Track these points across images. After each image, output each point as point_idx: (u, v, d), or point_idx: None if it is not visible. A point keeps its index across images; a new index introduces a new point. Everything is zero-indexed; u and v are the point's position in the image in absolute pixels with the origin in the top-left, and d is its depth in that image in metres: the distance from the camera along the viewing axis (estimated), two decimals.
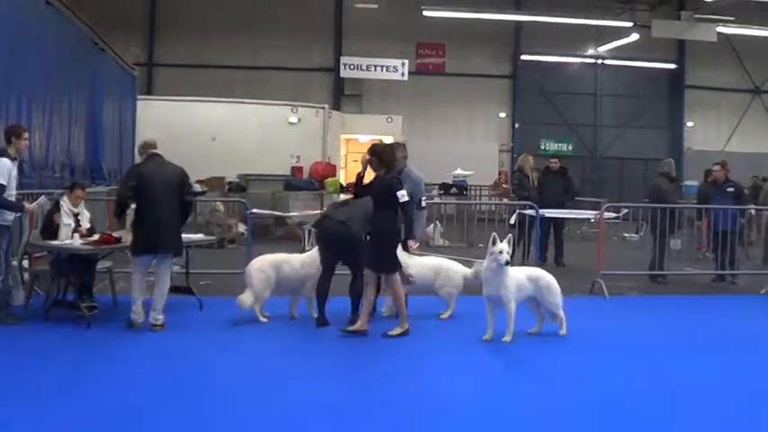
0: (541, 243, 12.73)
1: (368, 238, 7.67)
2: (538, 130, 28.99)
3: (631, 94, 29.39)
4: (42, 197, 8.61)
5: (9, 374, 6.14)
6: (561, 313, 7.85)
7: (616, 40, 26.84)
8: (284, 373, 6.47)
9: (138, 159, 8.85)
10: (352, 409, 5.54)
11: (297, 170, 20.55)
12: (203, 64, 26.21)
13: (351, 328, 7.63)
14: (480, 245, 11.32)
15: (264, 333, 7.90)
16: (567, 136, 29.47)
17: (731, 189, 12.05)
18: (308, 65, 27.52)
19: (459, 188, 19.02)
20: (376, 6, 25.07)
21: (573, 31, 26.65)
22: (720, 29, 24.48)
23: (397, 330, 7.66)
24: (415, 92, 27.41)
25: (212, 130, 20.31)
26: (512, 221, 12.53)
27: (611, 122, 29.63)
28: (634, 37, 26.01)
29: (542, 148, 28.31)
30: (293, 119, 21.51)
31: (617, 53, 27.98)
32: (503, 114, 29.24)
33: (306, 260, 8.36)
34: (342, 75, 27.05)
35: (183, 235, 8.43)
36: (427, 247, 13.10)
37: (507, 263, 7.35)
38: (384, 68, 26.26)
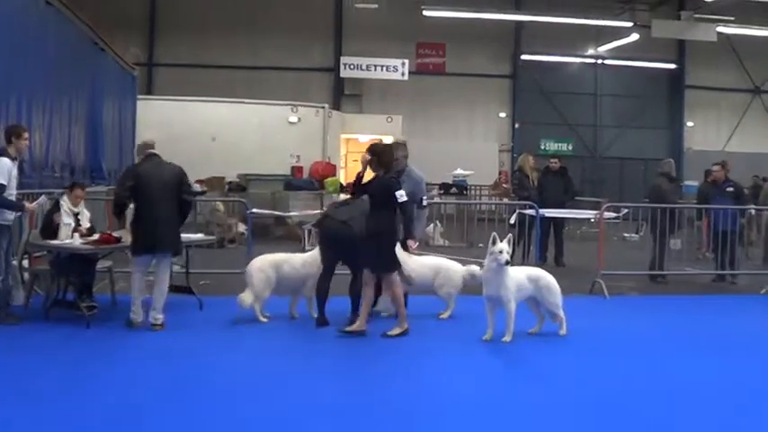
0: (541, 243, 12.73)
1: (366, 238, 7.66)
2: (538, 129, 28.99)
3: (631, 94, 29.40)
4: (42, 197, 8.62)
5: (9, 374, 6.14)
6: (561, 313, 7.84)
7: (616, 40, 26.85)
8: (284, 372, 6.47)
9: (136, 160, 8.86)
10: (351, 409, 5.54)
11: (297, 170, 20.57)
12: (203, 64, 26.22)
13: (349, 328, 7.63)
14: (480, 245, 11.34)
15: (264, 333, 7.90)
16: (566, 136, 29.48)
17: (731, 189, 12.05)
18: (308, 65, 27.52)
19: (460, 188, 19.01)
20: (376, 6, 25.08)
21: (573, 31, 26.66)
22: (720, 29, 24.49)
23: (397, 330, 7.66)
24: (415, 92, 27.41)
25: (212, 130, 20.33)
26: (512, 221, 12.53)
27: (611, 122, 29.64)
28: (634, 37, 26.01)
29: (542, 147, 28.31)
30: (293, 119, 21.52)
31: (617, 53, 27.99)
32: (503, 114, 29.25)
33: (306, 260, 8.36)
34: (342, 74, 27.06)
35: (183, 235, 8.44)
36: (427, 247, 13.10)
37: (507, 263, 7.35)
38: (384, 68, 26.26)
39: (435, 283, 8.56)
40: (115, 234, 8.21)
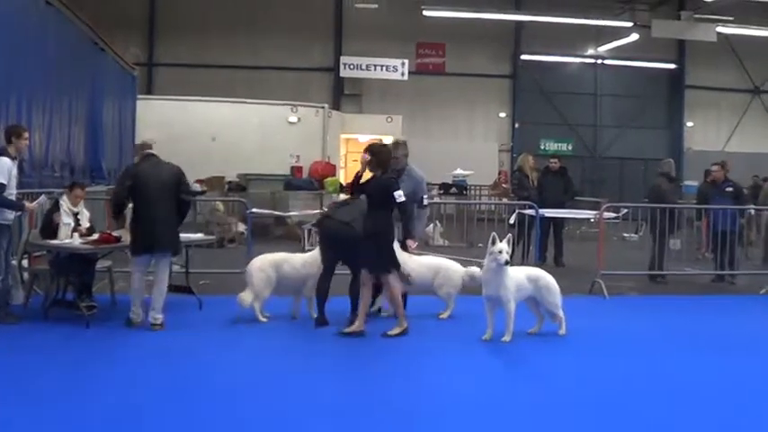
0: (541, 243, 12.73)
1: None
2: (538, 129, 28.99)
3: (631, 94, 29.40)
4: (42, 196, 8.63)
5: (8, 374, 6.14)
6: (561, 313, 7.85)
7: (616, 40, 26.85)
8: (284, 372, 6.47)
9: (135, 160, 8.86)
10: (351, 408, 5.54)
11: (296, 170, 20.58)
12: (203, 64, 26.22)
13: (348, 329, 7.63)
14: (480, 245, 11.33)
15: (264, 333, 7.90)
16: (566, 136, 29.48)
17: (730, 189, 12.05)
18: (307, 65, 27.52)
19: (459, 188, 19.02)
20: (376, 6, 25.08)
21: (573, 31, 26.66)
22: (720, 29, 24.49)
23: (396, 330, 7.66)
24: (415, 92, 27.42)
25: (212, 130, 20.36)
26: (511, 221, 12.53)
27: (610, 122, 29.64)
28: (634, 37, 26.01)
29: (542, 147, 28.31)
30: (293, 118, 21.53)
31: (617, 53, 27.98)
32: (503, 114, 29.25)
33: (307, 260, 8.36)
34: (342, 74, 27.06)
35: (183, 234, 8.44)
36: (426, 247, 13.10)
37: (506, 262, 7.35)
38: (384, 68, 26.26)
39: (435, 284, 8.55)
40: (115, 234, 8.21)
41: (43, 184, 10.34)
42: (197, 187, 16.89)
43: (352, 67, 26.62)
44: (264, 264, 8.26)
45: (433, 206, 13.81)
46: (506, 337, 7.44)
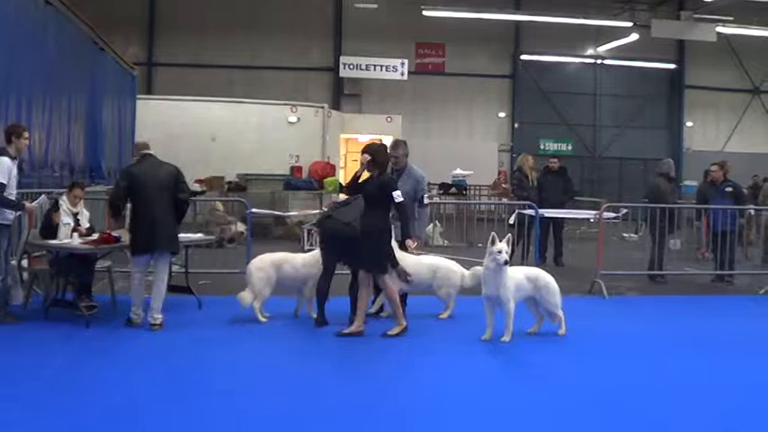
0: (540, 243, 12.72)
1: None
2: (537, 129, 29.00)
3: (631, 93, 29.42)
4: (43, 196, 8.63)
5: (8, 374, 6.14)
6: (560, 313, 7.85)
7: (616, 39, 26.87)
8: (283, 372, 6.48)
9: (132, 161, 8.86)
10: (351, 408, 5.54)
11: (296, 170, 20.58)
12: (203, 64, 26.23)
13: (347, 330, 7.64)
14: (480, 245, 11.33)
15: (264, 333, 7.90)
16: (566, 136, 29.49)
17: (730, 189, 12.05)
18: (307, 64, 27.54)
19: (459, 188, 19.01)
20: (376, 6, 25.10)
21: (572, 31, 26.67)
22: (720, 29, 24.51)
23: (396, 330, 7.66)
24: (414, 92, 27.43)
25: (212, 130, 20.35)
26: (511, 221, 12.52)
27: (610, 122, 29.66)
28: (634, 37, 26.02)
29: (542, 147, 28.34)
30: (293, 118, 21.52)
31: (616, 53, 28.01)
32: (502, 114, 29.26)
33: (307, 260, 8.36)
34: (341, 74, 27.05)
35: (182, 234, 8.44)
36: (425, 247, 13.09)
37: (506, 262, 7.35)
38: (384, 68, 26.27)
39: (434, 284, 8.55)
40: (114, 234, 8.21)
41: (43, 184, 10.35)
42: (197, 187, 16.91)
43: (351, 66, 26.62)
44: (264, 263, 8.26)
45: (432, 206, 13.82)
46: (506, 337, 7.44)
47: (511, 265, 7.59)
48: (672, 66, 29.42)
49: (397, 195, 7.53)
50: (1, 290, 7.69)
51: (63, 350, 6.99)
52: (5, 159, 7.56)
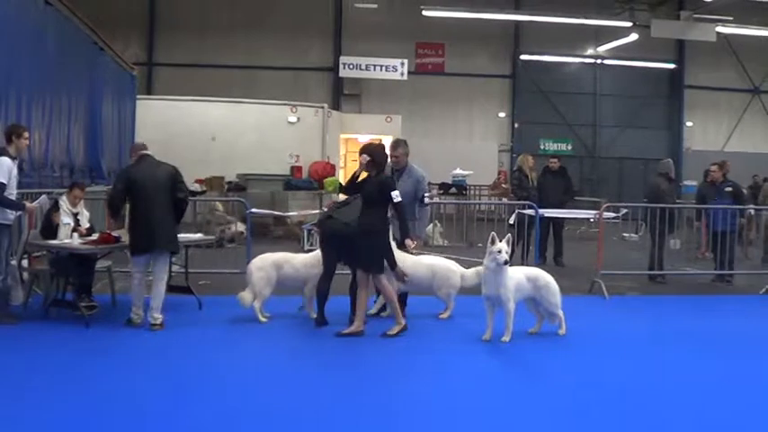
0: (540, 243, 12.72)
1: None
2: (537, 129, 28.99)
3: (631, 93, 29.40)
4: (43, 197, 8.63)
5: (8, 374, 6.14)
6: (560, 313, 7.85)
7: (615, 39, 26.85)
8: (283, 372, 6.49)
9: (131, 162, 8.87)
10: (351, 408, 5.54)
11: (296, 170, 20.59)
12: (203, 64, 26.21)
13: (346, 330, 7.64)
14: (480, 245, 11.34)
15: (264, 333, 7.90)
16: (566, 136, 29.48)
17: (729, 189, 12.05)
18: (307, 64, 27.54)
19: (459, 188, 19.02)
20: (375, 6, 25.10)
21: (572, 31, 26.65)
22: (719, 29, 24.49)
23: (396, 329, 7.66)
24: (414, 91, 27.42)
25: (212, 130, 20.37)
26: (511, 221, 12.51)
27: (610, 122, 29.64)
28: (633, 37, 26.01)
29: (542, 147, 28.34)
30: (292, 118, 21.54)
31: (616, 53, 27.99)
32: (502, 114, 29.26)
33: (308, 260, 8.37)
34: (341, 74, 27.03)
35: (182, 235, 8.44)
36: (425, 247, 13.09)
37: (506, 262, 7.35)
38: (383, 68, 26.25)
39: (434, 284, 8.53)
40: (114, 234, 8.21)
41: (43, 184, 10.36)
42: (196, 187, 16.93)
43: (351, 66, 26.60)
44: (265, 263, 8.27)
45: (432, 206, 13.82)
46: (506, 337, 7.44)
47: (511, 265, 7.60)
48: (672, 66, 29.41)
49: (396, 195, 7.52)
50: (1, 290, 7.69)
51: (63, 350, 6.99)
52: (6, 159, 7.56)
